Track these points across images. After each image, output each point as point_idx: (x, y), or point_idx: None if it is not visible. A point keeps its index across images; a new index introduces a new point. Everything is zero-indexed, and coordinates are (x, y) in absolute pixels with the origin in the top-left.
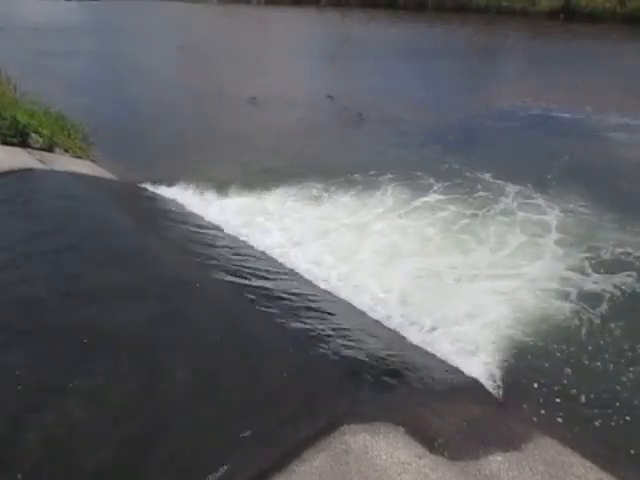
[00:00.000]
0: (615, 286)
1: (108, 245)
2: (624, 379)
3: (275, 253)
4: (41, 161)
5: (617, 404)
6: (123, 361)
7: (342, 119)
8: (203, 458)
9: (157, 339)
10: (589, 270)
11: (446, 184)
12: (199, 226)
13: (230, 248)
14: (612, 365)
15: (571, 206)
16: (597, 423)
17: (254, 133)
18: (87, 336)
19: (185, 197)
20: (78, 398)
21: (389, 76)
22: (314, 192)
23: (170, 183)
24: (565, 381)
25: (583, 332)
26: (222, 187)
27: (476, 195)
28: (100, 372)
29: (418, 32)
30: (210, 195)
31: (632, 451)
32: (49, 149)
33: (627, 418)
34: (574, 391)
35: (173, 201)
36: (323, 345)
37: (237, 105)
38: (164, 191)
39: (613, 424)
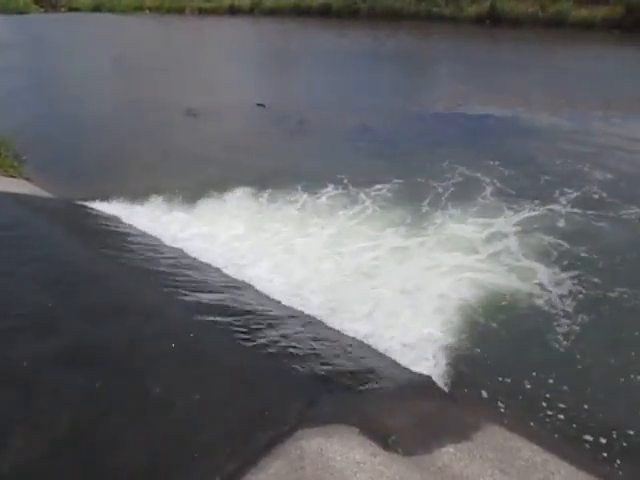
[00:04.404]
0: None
1: (45, 268)
2: (566, 365)
3: (219, 265)
4: None
5: (559, 388)
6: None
7: (282, 127)
8: (159, 472)
9: (101, 360)
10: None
11: (385, 190)
12: (142, 243)
13: (174, 262)
14: (555, 351)
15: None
16: (541, 407)
17: (192, 145)
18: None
19: (125, 212)
20: None
21: (328, 83)
22: (253, 203)
23: (110, 199)
24: (511, 369)
25: (528, 318)
26: (163, 201)
27: (411, 202)
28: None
29: (352, 39)
30: (151, 209)
31: (573, 431)
32: None
33: (568, 401)
34: (520, 377)
35: (114, 217)
36: (274, 353)
37: (173, 117)
38: (104, 207)
39: (555, 407)
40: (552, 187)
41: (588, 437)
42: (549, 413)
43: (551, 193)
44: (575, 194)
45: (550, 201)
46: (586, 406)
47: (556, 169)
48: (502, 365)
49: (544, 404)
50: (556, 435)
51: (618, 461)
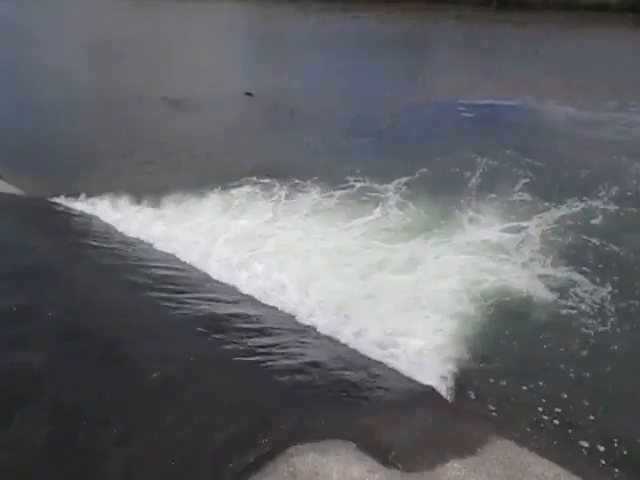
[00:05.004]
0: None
1: (16, 267)
2: (576, 376)
3: (202, 266)
4: None
5: (572, 401)
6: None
7: (272, 119)
8: None
9: (80, 371)
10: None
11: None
12: (119, 241)
13: (154, 262)
14: (564, 362)
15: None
16: (553, 421)
17: (172, 137)
18: None
19: (101, 210)
20: None
21: (321, 70)
22: (235, 202)
23: (84, 196)
24: (521, 380)
25: (538, 328)
26: (141, 197)
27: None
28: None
29: (349, 22)
30: (128, 206)
31: (586, 445)
32: None
33: (582, 415)
34: (528, 389)
35: (89, 215)
36: (264, 362)
37: (152, 108)
38: (78, 205)
39: (568, 421)
40: (577, 181)
41: (602, 452)
42: (561, 427)
43: (576, 187)
44: (607, 190)
45: (577, 196)
46: (601, 421)
47: (579, 162)
48: (512, 375)
49: (556, 417)
50: (568, 450)
51: (633, 478)
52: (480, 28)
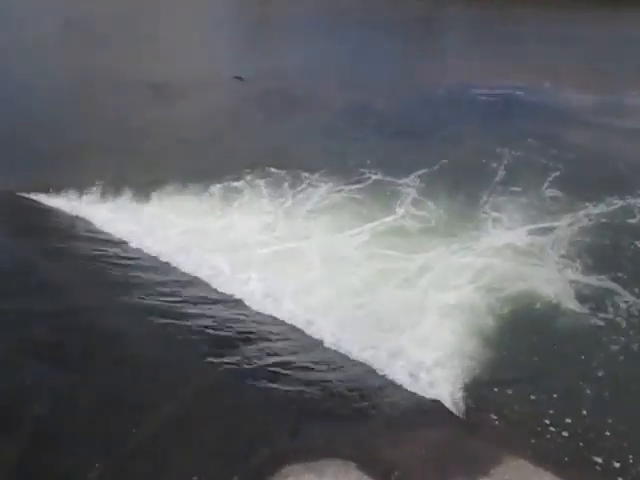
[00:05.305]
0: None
1: None
2: (596, 394)
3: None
4: None
5: (593, 419)
6: None
7: (263, 106)
8: None
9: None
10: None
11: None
12: (95, 240)
13: (132, 263)
14: (585, 380)
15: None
16: (573, 439)
17: (153, 126)
18: None
19: (72, 205)
20: None
21: (322, 53)
22: (215, 199)
23: (54, 190)
24: (534, 396)
25: (561, 341)
26: (118, 192)
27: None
28: None
29: (350, 1)
30: (102, 202)
31: (606, 464)
32: None
33: (602, 433)
34: (544, 407)
35: (59, 211)
36: (257, 374)
37: (133, 93)
38: (49, 200)
39: (589, 440)
40: (612, 175)
41: (619, 470)
42: (581, 445)
43: (611, 182)
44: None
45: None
46: (623, 440)
47: (611, 153)
48: (528, 391)
49: (574, 436)
50: (587, 469)
51: None
52: (495, 10)
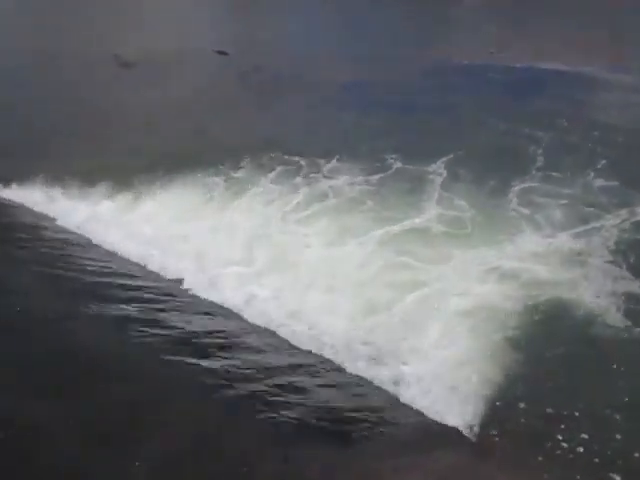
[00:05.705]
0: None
1: None
2: (622, 422)
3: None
4: None
5: (609, 442)
6: None
7: (250, 84)
8: None
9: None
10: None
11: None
12: (59, 239)
13: (100, 265)
14: (615, 406)
15: None
16: (600, 466)
17: (125, 106)
18: None
19: (35, 200)
20: None
21: (317, 25)
22: (196, 198)
23: (15, 183)
24: (556, 422)
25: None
26: (85, 185)
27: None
28: None
29: None
30: (67, 196)
31: None
32: None
33: (622, 459)
34: (566, 433)
35: (20, 206)
36: (249, 390)
37: (103, 68)
38: (9, 194)
39: (606, 465)
40: None
41: None
42: (604, 474)
43: None
44: None
45: None
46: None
47: None
48: (551, 415)
49: (596, 465)
50: None
51: None
52: None
